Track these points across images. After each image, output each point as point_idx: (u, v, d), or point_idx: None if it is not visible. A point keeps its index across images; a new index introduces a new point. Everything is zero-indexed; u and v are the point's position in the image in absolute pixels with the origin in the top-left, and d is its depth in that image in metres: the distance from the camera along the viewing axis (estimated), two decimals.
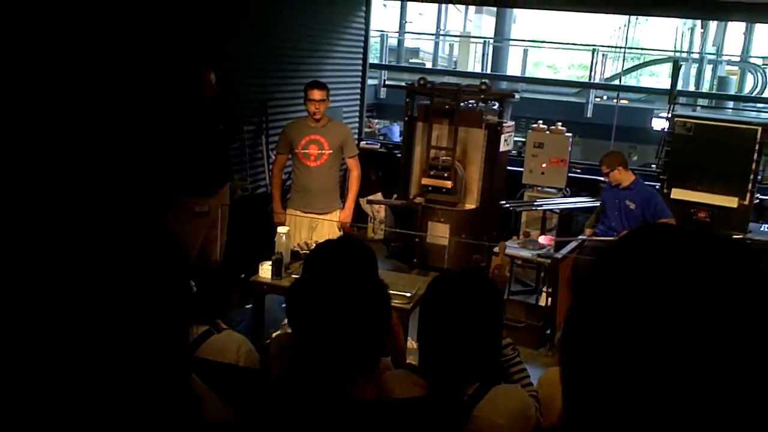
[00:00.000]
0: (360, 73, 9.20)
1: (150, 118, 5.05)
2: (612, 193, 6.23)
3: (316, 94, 5.38)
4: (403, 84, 8.08)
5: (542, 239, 6.22)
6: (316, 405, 1.51)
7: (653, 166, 8.46)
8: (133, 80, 5.12)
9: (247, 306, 5.08)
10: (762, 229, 6.83)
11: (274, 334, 3.29)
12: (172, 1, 5.59)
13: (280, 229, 4.72)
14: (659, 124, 12.07)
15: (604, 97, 13.64)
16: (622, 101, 12.78)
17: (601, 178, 6.62)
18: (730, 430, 0.64)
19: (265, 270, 4.50)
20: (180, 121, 5.05)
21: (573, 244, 6.01)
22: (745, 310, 0.64)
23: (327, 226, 5.55)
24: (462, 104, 7.19)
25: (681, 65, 10.25)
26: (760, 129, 6.59)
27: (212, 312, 3.03)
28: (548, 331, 5.75)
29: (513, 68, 16.15)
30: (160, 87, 5.21)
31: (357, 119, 9.24)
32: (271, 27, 7.04)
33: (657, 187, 7.00)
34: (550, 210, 7.15)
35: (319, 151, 5.50)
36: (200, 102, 5.07)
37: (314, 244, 4.85)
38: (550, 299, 5.74)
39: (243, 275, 5.13)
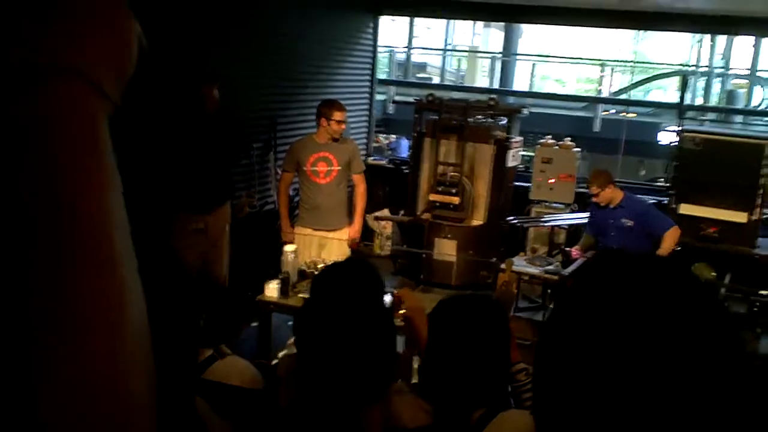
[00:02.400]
0: (368, 89, 9.22)
1: (145, 132, 4.94)
2: (604, 215, 5.98)
3: (339, 115, 5.42)
4: (411, 99, 8.10)
5: (575, 252, 6.13)
6: None
7: (661, 180, 8.44)
8: (130, 92, 5.06)
9: (254, 324, 5.09)
10: None
11: (280, 354, 3.28)
12: (173, 13, 5.54)
13: (287, 248, 4.72)
14: (666, 138, 12.05)
15: (612, 111, 13.63)
16: (630, 115, 12.77)
17: None
18: None
19: (272, 289, 4.51)
20: (176, 135, 4.92)
21: (581, 261, 5.97)
22: (685, 327, 0.72)
23: (336, 244, 5.55)
24: (470, 120, 7.20)
25: (689, 79, 10.24)
26: None
27: (217, 336, 3.03)
28: None
29: (521, 82, 16.17)
30: (157, 100, 5.09)
31: (365, 135, 9.26)
32: (280, 44, 7.07)
33: (665, 202, 6.97)
34: (558, 226, 7.14)
35: (328, 168, 5.51)
36: (200, 117, 4.96)
37: (322, 262, 4.90)
38: None
39: (249, 293, 5.13)
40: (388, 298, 2.90)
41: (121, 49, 0.52)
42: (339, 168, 5.52)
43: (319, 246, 5.56)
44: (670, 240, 5.73)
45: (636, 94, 16.01)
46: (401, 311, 2.49)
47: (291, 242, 5.31)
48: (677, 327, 0.72)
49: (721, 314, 0.75)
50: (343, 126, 5.45)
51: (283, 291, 4.46)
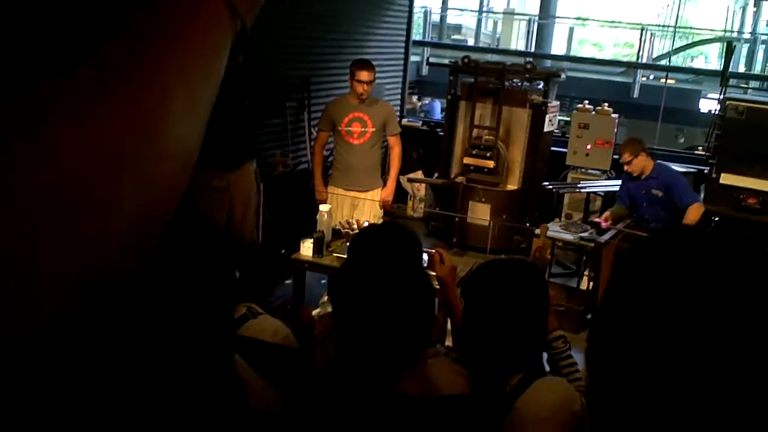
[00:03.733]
0: (403, 51, 9.12)
1: None
2: (636, 186, 5.90)
3: (365, 76, 5.34)
4: (446, 62, 7.98)
5: (604, 223, 6.02)
6: (360, 400, 1.50)
7: (699, 148, 8.26)
8: None
9: (287, 281, 5.12)
10: None
11: (314, 313, 3.29)
12: None
13: (322, 207, 4.72)
14: (707, 105, 11.77)
15: (651, 77, 13.35)
16: (669, 81, 12.50)
17: None
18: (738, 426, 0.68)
19: (306, 248, 4.51)
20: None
21: (613, 231, 5.87)
22: (754, 311, 0.68)
23: (369, 205, 5.54)
24: (506, 83, 7.09)
25: (734, 46, 9.95)
26: None
27: (250, 293, 3.04)
28: (589, 316, 5.68)
29: (558, 46, 15.88)
30: None
31: (399, 97, 9.18)
32: (313, 4, 6.99)
33: (705, 171, 6.83)
34: (594, 192, 7.04)
35: (363, 129, 5.48)
36: (227, 71, 4.87)
37: (355, 223, 4.89)
38: (591, 283, 5.66)
39: (284, 251, 5.15)
40: (425, 257, 2.89)
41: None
42: (373, 129, 5.48)
43: (352, 206, 5.55)
44: (694, 214, 5.64)
45: (676, 60, 15.66)
46: (434, 273, 2.47)
47: (324, 202, 5.31)
48: (742, 308, 0.68)
49: None
50: (367, 87, 5.34)
51: (318, 250, 4.47)
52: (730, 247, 0.74)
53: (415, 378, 1.57)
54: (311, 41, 7.14)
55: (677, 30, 17.17)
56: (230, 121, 4.91)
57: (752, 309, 0.68)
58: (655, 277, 0.73)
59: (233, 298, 0.95)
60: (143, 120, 0.50)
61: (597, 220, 6.11)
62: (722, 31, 16.52)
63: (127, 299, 0.55)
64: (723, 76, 7.19)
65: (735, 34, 15.66)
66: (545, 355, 2.23)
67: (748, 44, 14.46)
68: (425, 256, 2.87)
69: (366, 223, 4.81)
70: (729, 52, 7.50)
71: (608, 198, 6.91)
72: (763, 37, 14.65)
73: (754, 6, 15.45)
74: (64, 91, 0.49)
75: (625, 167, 5.87)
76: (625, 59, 17.28)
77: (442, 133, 7.83)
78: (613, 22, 20.38)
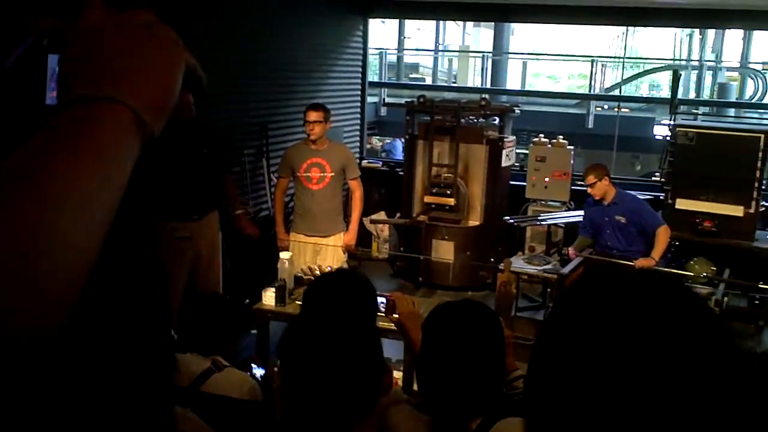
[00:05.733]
0: (359, 92, 9.20)
1: None
2: (599, 213, 5.95)
3: (311, 116, 5.39)
4: (404, 101, 8.07)
5: (572, 253, 6.07)
6: None
7: (657, 175, 8.42)
8: None
9: (253, 331, 5.05)
10: None
11: (276, 368, 3.24)
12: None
13: (283, 255, 4.69)
14: (661, 131, 12.02)
15: (606, 107, 13.62)
16: (623, 111, 12.75)
17: None
18: None
19: (269, 297, 4.47)
20: (155, 142, 4.82)
21: (578, 260, 5.94)
22: (677, 339, 0.72)
23: (331, 250, 5.52)
24: (462, 120, 7.17)
25: (680, 74, 10.23)
26: (763, 136, 6.55)
27: (214, 345, 3.00)
28: None
29: (513, 80, 16.16)
30: None
31: (358, 138, 9.23)
32: (269, 50, 7.04)
33: (661, 197, 6.95)
34: (555, 224, 7.11)
35: (321, 174, 5.48)
36: (177, 124, 4.85)
37: (317, 269, 4.87)
38: None
39: (247, 301, 5.09)
40: (381, 301, 2.88)
41: (165, 84, 0.67)
42: (332, 174, 5.49)
43: (314, 252, 5.53)
44: (664, 237, 5.71)
45: (629, 90, 16.00)
46: (395, 315, 2.47)
47: (286, 249, 5.27)
48: (669, 340, 0.72)
49: (714, 327, 0.75)
50: (317, 128, 5.37)
51: (280, 299, 4.43)
52: (651, 285, 0.78)
53: (371, 427, 1.56)
54: (267, 87, 7.17)
55: (629, 60, 17.59)
56: (190, 172, 4.89)
57: (670, 342, 0.72)
58: (584, 317, 0.77)
59: (169, 360, 0.93)
60: (30, 226, 0.55)
61: (566, 250, 6.19)
62: (671, 59, 16.97)
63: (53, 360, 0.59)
64: (671, 104, 7.37)
65: (683, 62, 16.09)
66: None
67: (697, 71, 14.87)
68: (384, 301, 2.86)
69: (328, 269, 4.79)
70: (675, 79, 7.69)
71: (569, 229, 6.99)
72: (710, 64, 15.08)
73: (700, 34, 15.92)
74: None
75: (589, 190, 5.92)
76: (580, 90, 17.63)
77: (402, 173, 7.88)
78: (563, 55, 20.82)
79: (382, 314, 2.74)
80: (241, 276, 5.71)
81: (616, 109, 12.22)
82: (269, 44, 7.04)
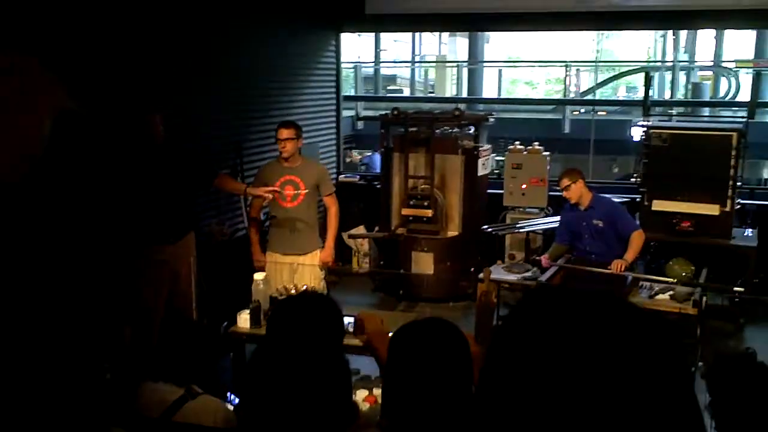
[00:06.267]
0: (334, 107, 9.18)
1: (95, 163, 4.76)
2: (577, 217, 5.91)
3: (283, 134, 5.39)
4: (381, 113, 8.06)
5: (545, 261, 6.02)
6: None
7: (634, 176, 8.44)
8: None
9: (230, 355, 4.99)
10: (746, 234, 6.79)
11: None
12: (131, 42, 5.39)
13: (257, 276, 4.64)
14: (638, 133, 12.07)
15: (582, 111, 13.67)
16: (599, 114, 12.80)
17: None
18: None
19: (244, 320, 4.42)
20: (123, 166, 4.77)
21: (553, 269, 5.89)
22: (618, 361, 0.74)
23: (308, 268, 5.48)
24: (438, 131, 7.16)
25: (652, 76, 10.29)
26: (735, 134, 6.58)
27: (189, 372, 2.94)
28: None
29: (489, 88, 16.19)
30: (105, 131, 4.91)
31: (335, 152, 9.20)
32: (241, 68, 7.00)
33: (638, 199, 6.96)
34: (533, 231, 7.10)
35: (296, 192, 5.45)
36: (150, 147, 4.84)
37: (293, 288, 4.81)
38: None
39: (225, 324, 5.03)
40: (350, 321, 2.84)
41: (23, 144, 0.69)
42: (306, 191, 5.46)
43: (291, 270, 5.48)
44: (638, 240, 5.70)
45: (605, 92, 16.08)
46: (362, 336, 2.43)
47: (263, 269, 5.23)
48: (603, 362, 0.74)
49: (657, 349, 0.77)
50: (288, 145, 5.36)
51: (255, 321, 4.37)
52: (590, 307, 0.80)
53: None
54: (240, 105, 7.12)
55: (603, 64, 17.70)
56: (164, 194, 4.85)
57: (604, 364, 0.74)
58: (522, 341, 0.79)
59: (98, 396, 0.90)
60: None
61: (538, 258, 6.13)
62: (644, 61, 17.09)
63: None
64: (644, 106, 7.40)
65: (656, 63, 16.19)
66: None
67: (670, 72, 14.96)
68: (352, 321, 2.82)
69: (304, 288, 4.74)
70: (647, 81, 7.73)
71: (548, 235, 6.98)
72: (683, 64, 15.18)
73: (673, 35, 16.04)
74: None
75: (564, 193, 5.88)
76: (557, 95, 17.72)
77: (379, 186, 7.85)
78: (537, 61, 20.94)
79: (351, 334, 2.70)
80: (219, 298, 5.64)
81: (591, 113, 12.28)
82: (240, 62, 7.01)
